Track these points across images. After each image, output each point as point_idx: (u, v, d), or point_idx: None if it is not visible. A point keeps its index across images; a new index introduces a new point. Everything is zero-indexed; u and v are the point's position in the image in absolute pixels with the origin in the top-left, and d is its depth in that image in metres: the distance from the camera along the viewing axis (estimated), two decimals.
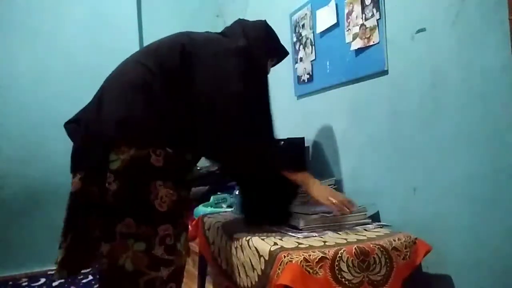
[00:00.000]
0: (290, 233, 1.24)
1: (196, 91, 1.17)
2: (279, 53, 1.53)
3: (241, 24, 1.42)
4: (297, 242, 1.13)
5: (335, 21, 1.60)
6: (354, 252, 1.05)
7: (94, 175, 1.16)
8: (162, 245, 1.12)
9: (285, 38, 2.00)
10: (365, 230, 1.26)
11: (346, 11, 1.53)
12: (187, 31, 1.39)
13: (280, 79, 2.11)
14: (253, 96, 1.25)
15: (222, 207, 2.05)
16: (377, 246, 1.09)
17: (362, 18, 1.44)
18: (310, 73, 1.81)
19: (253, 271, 1.16)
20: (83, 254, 1.22)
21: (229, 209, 1.87)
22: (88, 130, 1.21)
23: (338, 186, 1.61)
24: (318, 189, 1.29)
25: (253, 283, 1.17)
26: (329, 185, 1.55)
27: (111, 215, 1.12)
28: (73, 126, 1.36)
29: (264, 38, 1.42)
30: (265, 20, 1.46)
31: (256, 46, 1.36)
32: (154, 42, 1.36)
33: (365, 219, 1.32)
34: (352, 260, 1.04)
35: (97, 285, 2.33)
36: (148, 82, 1.15)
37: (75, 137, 1.35)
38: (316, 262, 1.00)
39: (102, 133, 1.13)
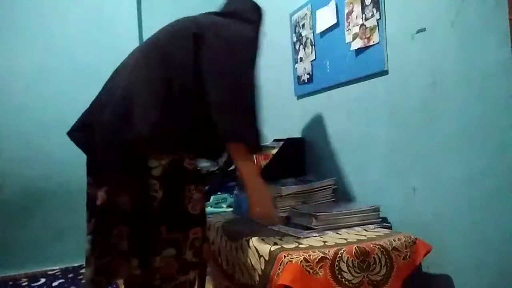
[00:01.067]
0: (302, 234, 1.23)
1: (210, 84, 1.13)
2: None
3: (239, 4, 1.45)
4: (297, 242, 1.13)
5: (335, 21, 1.60)
6: (354, 252, 1.05)
7: (127, 184, 1.10)
8: (192, 249, 1.12)
9: (285, 38, 2.01)
10: (365, 230, 1.26)
11: (346, 11, 1.53)
12: (194, 18, 1.38)
13: (280, 79, 2.11)
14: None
15: (222, 207, 2.05)
16: (377, 246, 1.09)
17: (362, 18, 1.44)
18: (310, 73, 1.81)
19: (254, 271, 1.16)
20: (110, 268, 1.15)
21: (229, 209, 1.87)
22: (109, 138, 1.12)
23: (338, 186, 1.61)
24: (256, 190, 1.20)
25: (254, 283, 1.17)
26: (328, 185, 1.55)
27: (148, 223, 1.09)
28: (82, 135, 1.28)
29: (259, 19, 1.48)
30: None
31: (258, 30, 1.40)
32: (161, 33, 1.29)
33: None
34: (352, 260, 1.04)
35: None
36: (168, 84, 1.11)
37: (88, 146, 1.26)
38: (316, 262, 1.00)
39: (136, 141, 1.07)
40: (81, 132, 1.28)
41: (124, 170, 1.10)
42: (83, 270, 2.58)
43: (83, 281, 1.21)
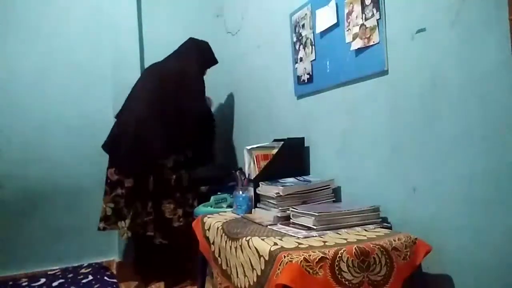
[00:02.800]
0: (302, 234, 1.23)
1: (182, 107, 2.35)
2: (215, 63, 2.65)
3: (195, 47, 2.58)
4: (297, 242, 1.13)
5: (335, 21, 1.60)
6: (354, 252, 1.05)
7: (150, 175, 2.27)
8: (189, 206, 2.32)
9: (285, 38, 2.00)
10: (365, 230, 1.27)
11: (346, 11, 1.53)
12: (161, 71, 2.50)
13: (280, 79, 2.11)
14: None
15: (222, 207, 2.05)
16: (377, 246, 1.09)
17: (362, 18, 1.44)
18: (310, 73, 1.81)
19: (252, 271, 1.16)
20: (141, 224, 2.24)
21: (229, 209, 1.87)
22: (132, 154, 2.29)
23: (338, 186, 1.61)
24: None
25: (251, 283, 1.17)
26: (328, 185, 1.55)
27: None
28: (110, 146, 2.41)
29: (211, 57, 2.63)
30: (207, 42, 2.63)
31: (206, 66, 2.59)
32: (164, 76, 2.45)
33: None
34: (352, 260, 1.04)
35: (97, 285, 2.33)
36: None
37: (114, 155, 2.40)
38: (316, 262, 1.00)
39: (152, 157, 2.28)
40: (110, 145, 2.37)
41: (145, 169, 2.24)
42: (83, 270, 2.58)
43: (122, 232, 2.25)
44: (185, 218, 2.25)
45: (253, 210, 1.66)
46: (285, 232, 1.28)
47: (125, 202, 2.22)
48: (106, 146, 2.35)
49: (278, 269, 1.01)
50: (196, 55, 2.51)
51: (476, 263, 1.09)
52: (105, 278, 2.44)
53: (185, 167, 2.32)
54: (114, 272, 2.60)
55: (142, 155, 2.23)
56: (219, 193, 2.24)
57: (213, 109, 3.09)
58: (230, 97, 2.95)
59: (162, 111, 2.29)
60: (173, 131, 2.28)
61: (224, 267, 1.42)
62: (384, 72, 1.37)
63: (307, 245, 1.10)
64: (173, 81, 2.37)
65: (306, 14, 1.81)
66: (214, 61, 2.63)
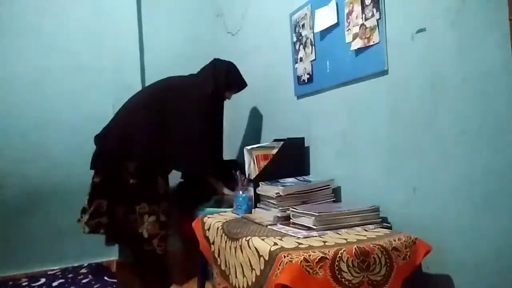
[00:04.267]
0: (302, 234, 1.23)
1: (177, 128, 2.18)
2: (240, 87, 2.37)
3: (213, 67, 2.32)
4: (297, 242, 1.13)
5: (335, 21, 1.60)
6: (354, 252, 1.05)
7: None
8: (164, 214, 2.17)
9: (285, 38, 2.00)
10: (365, 230, 1.27)
11: (346, 11, 1.53)
12: (169, 81, 2.35)
13: (280, 79, 2.11)
14: (212, 127, 2.24)
15: (222, 207, 2.06)
16: (377, 246, 1.09)
17: (362, 18, 1.44)
18: (310, 73, 1.81)
19: (251, 271, 1.16)
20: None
21: (229, 209, 1.87)
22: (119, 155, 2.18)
23: (338, 186, 1.61)
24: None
25: (249, 283, 1.17)
26: (328, 185, 1.55)
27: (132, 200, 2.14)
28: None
29: (230, 79, 2.30)
30: (232, 63, 2.36)
31: (221, 87, 2.26)
32: (149, 93, 2.34)
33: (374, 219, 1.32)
34: (352, 260, 1.04)
35: (97, 285, 2.33)
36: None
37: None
38: (316, 262, 1.00)
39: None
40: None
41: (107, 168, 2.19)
42: (83, 270, 2.58)
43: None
44: (156, 226, 2.13)
45: (253, 210, 1.66)
46: (285, 232, 1.28)
47: (88, 196, 2.17)
48: (97, 138, 2.28)
49: (278, 269, 1.01)
50: (213, 75, 2.27)
51: (476, 263, 1.09)
52: (105, 278, 2.44)
53: (161, 173, 2.20)
54: (114, 272, 2.61)
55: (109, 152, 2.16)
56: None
57: None
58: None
59: (156, 118, 2.17)
60: (158, 137, 2.15)
61: (223, 267, 1.42)
62: (384, 72, 1.37)
63: (307, 245, 1.10)
64: (177, 94, 2.23)
65: (306, 14, 1.81)
66: (240, 84, 2.35)
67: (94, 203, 2.14)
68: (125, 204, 2.13)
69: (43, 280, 2.42)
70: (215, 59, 2.37)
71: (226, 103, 2.41)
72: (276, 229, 1.33)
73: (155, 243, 2.13)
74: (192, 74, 2.37)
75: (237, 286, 1.27)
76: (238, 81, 2.33)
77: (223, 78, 2.26)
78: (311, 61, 1.79)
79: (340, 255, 1.04)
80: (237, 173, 1.85)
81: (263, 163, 1.76)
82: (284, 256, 1.01)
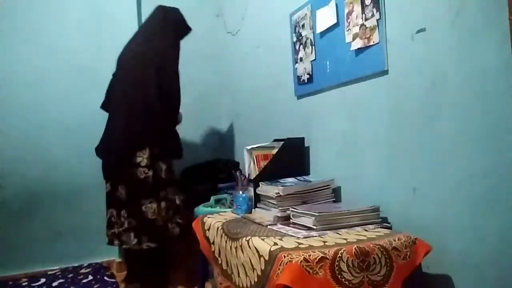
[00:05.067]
0: (302, 234, 1.23)
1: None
2: (188, 32, 2.38)
3: (164, 15, 2.31)
4: (297, 242, 1.13)
5: (335, 21, 1.60)
6: (354, 252, 1.05)
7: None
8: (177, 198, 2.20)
9: (285, 38, 2.00)
10: (365, 230, 1.27)
11: (346, 11, 1.53)
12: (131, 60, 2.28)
13: (280, 79, 2.11)
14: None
15: (222, 207, 2.06)
16: (377, 246, 1.09)
17: (362, 18, 1.44)
18: (310, 73, 1.81)
19: (253, 271, 1.16)
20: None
21: (229, 209, 1.87)
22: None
23: (338, 186, 1.61)
24: None
25: (252, 283, 1.17)
26: (328, 185, 1.55)
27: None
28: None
29: (181, 29, 2.34)
30: (177, 10, 2.38)
31: (178, 42, 2.29)
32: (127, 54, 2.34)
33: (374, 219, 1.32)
34: (352, 260, 1.04)
35: (97, 285, 2.33)
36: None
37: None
38: (316, 262, 1.00)
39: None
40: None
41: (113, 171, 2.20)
42: (83, 270, 2.58)
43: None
44: (169, 213, 2.11)
45: (253, 210, 1.66)
46: (285, 232, 1.28)
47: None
48: (97, 150, 2.31)
49: (278, 269, 1.01)
50: (169, 31, 2.27)
51: (476, 263, 1.09)
52: (105, 278, 2.43)
53: (159, 159, 2.12)
54: (114, 272, 2.60)
55: (110, 156, 2.19)
56: (219, 193, 2.24)
57: (210, 110, 3.10)
58: (230, 97, 2.95)
59: (143, 101, 2.12)
60: (143, 122, 2.11)
61: (224, 267, 1.42)
62: (384, 72, 1.37)
63: (307, 245, 1.10)
64: (152, 68, 2.14)
65: (306, 14, 1.82)
66: (188, 30, 2.39)
67: (108, 213, 2.17)
68: (135, 201, 2.06)
69: (43, 280, 2.42)
70: (161, 7, 2.34)
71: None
72: (276, 229, 1.33)
73: (172, 226, 2.12)
74: (143, 34, 2.34)
75: (240, 285, 1.27)
76: (187, 26, 2.38)
77: (181, 28, 2.34)
78: (311, 61, 1.79)
79: (340, 255, 1.04)
80: (237, 173, 1.85)
81: (263, 163, 1.75)
82: (284, 256, 1.01)
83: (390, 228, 1.32)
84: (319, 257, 1.01)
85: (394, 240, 1.13)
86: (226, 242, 1.39)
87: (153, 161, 2.08)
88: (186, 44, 2.33)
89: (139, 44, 2.28)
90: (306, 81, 1.84)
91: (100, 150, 2.28)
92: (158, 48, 2.19)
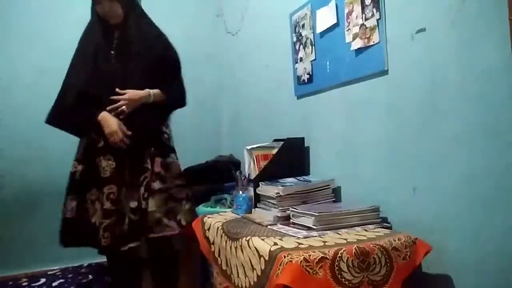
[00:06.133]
0: (302, 234, 1.23)
1: None
2: None
3: None
4: (297, 242, 1.13)
5: (335, 21, 1.60)
6: (354, 252, 1.05)
7: None
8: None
9: (285, 38, 2.00)
10: (365, 230, 1.27)
11: (346, 11, 1.53)
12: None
13: (280, 79, 2.11)
14: None
15: (222, 207, 2.06)
16: (377, 246, 1.09)
17: (362, 18, 1.44)
18: (310, 73, 1.81)
19: (252, 271, 1.16)
20: None
21: (229, 209, 1.87)
22: None
23: (338, 186, 1.61)
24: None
25: (252, 283, 1.17)
26: (328, 185, 1.55)
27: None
28: None
29: None
30: None
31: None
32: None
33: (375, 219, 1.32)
34: (352, 260, 1.04)
35: (97, 285, 2.33)
36: None
37: None
38: (316, 262, 1.00)
39: None
40: None
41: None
42: (83, 270, 2.58)
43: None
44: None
45: (253, 210, 1.66)
46: (285, 232, 1.28)
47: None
48: None
49: (278, 269, 1.01)
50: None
51: (476, 263, 1.09)
52: (105, 278, 2.43)
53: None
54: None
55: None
56: (219, 193, 2.24)
57: (210, 110, 3.09)
58: (230, 97, 2.95)
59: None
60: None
61: (224, 267, 1.42)
62: (384, 72, 1.37)
63: (307, 245, 1.10)
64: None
65: (306, 14, 1.82)
66: None
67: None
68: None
69: (43, 280, 2.42)
70: None
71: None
72: (276, 229, 1.33)
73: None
74: None
75: (239, 286, 1.27)
76: None
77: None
78: (311, 61, 1.79)
79: (340, 255, 1.04)
80: (237, 173, 1.85)
81: (263, 163, 1.75)
82: (284, 256, 1.01)
83: (390, 228, 1.32)
84: (319, 257, 1.01)
85: (394, 240, 1.13)
86: (226, 242, 1.39)
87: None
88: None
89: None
90: (306, 81, 1.84)
91: None
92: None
